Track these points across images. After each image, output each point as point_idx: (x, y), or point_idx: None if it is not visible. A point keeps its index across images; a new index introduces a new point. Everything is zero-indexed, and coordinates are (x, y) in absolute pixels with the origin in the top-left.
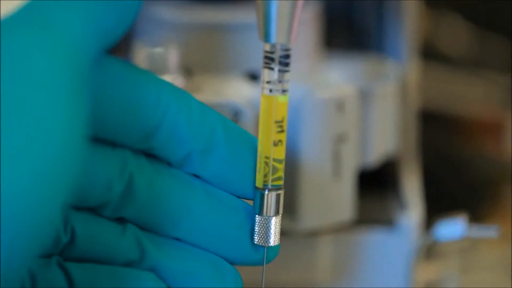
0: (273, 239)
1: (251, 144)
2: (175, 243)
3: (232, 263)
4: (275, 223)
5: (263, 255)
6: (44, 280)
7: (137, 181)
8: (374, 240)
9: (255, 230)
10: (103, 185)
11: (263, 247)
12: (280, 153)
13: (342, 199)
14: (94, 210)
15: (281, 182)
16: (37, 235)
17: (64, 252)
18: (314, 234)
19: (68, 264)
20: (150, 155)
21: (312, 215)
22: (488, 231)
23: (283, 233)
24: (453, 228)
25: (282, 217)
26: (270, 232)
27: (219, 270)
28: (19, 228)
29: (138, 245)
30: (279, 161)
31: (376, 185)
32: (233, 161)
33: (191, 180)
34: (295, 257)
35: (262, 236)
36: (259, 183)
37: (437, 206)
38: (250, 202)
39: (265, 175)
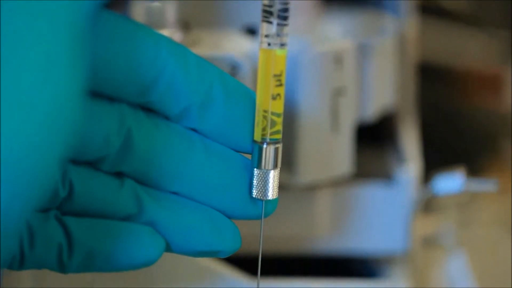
0: (272, 193)
1: (250, 98)
2: (173, 197)
3: (230, 217)
4: (273, 177)
5: (262, 208)
6: (42, 234)
7: (135, 135)
8: (372, 194)
9: (254, 183)
10: (101, 139)
11: (262, 200)
12: (278, 106)
13: (340, 153)
14: (92, 164)
15: (280, 136)
16: (36, 187)
17: (62, 206)
18: (312, 188)
19: (66, 218)
20: (148, 110)
21: (310, 169)
22: (486, 185)
23: (281, 187)
24: (452, 182)
25: (280, 171)
26: (268, 185)
27: (218, 224)
28: (18, 180)
29: (136, 199)
30: (278, 115)
31: (374, 139)
32: (231, 115)
33: (189, 134)
34: (293, 211)
35: (261, 190)
36: (257, 137)
37: (435, 160)
38: (249, 156)
39: (263, 129)
